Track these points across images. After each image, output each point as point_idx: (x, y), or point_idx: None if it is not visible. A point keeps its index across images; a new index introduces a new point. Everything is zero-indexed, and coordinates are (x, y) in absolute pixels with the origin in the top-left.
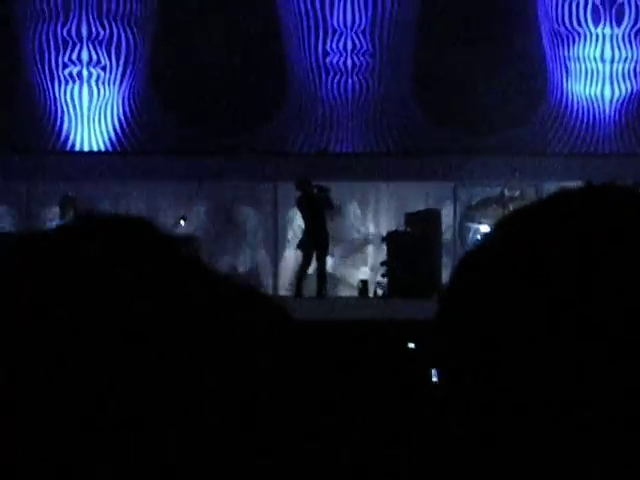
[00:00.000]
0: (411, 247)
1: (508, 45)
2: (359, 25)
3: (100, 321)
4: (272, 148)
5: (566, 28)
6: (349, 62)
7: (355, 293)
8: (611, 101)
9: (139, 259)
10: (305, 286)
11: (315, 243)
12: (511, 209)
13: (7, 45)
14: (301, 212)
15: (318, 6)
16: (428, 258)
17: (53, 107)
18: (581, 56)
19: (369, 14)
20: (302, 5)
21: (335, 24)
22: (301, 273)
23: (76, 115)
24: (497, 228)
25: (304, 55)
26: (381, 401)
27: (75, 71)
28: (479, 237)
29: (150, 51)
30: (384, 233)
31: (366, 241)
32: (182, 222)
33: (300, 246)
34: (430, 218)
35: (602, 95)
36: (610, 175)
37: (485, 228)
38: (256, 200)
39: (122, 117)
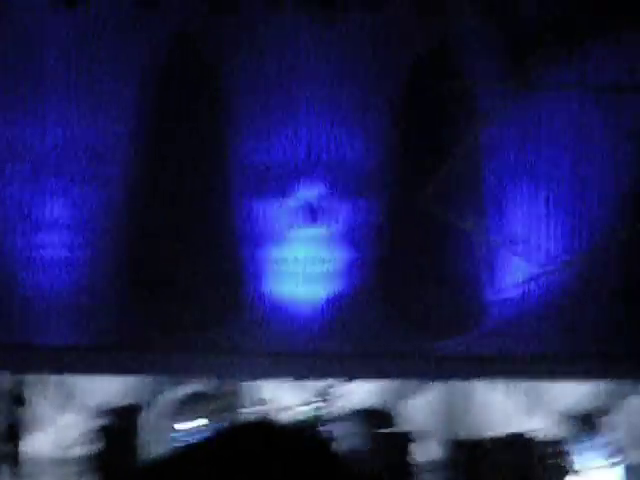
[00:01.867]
0: (110, 443)
1: (205, 250)
2: (66, 218)
3: None
4: None
5: (264, 230)
6: (56, 255)
7: None
8: (311, 301)
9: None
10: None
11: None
12: (213, 406)
13: None
14: None
15: (26, 199)
16: (127, 454)
17: None
18: (279, 257)
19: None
20: (8, 196)
21: (45, 217)
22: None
23: None
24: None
25: (8, 247)
26: None
27: None
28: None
29: None
30: (83, 429)
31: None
32: None
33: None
34: (129, 413)
35: (301, 295)
36: (317, 371)
37: (185, 426)
38: None
39: None
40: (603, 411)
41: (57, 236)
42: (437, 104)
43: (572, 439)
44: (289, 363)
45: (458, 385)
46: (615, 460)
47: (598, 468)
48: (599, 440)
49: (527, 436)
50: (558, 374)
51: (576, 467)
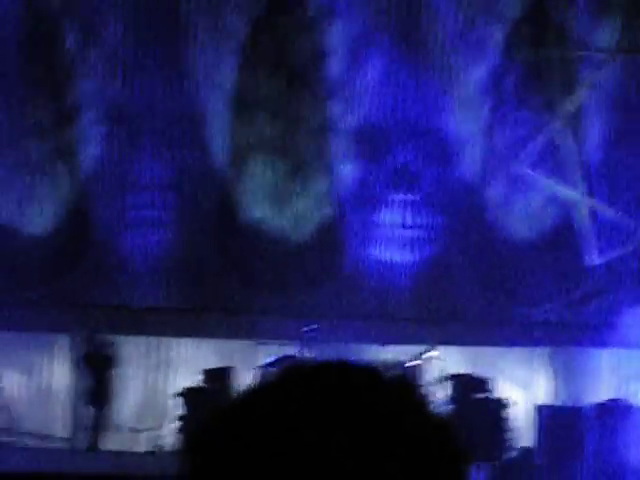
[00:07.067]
0: (206, 404)
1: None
2: (163, 179)
3: None
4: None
5: (359, 194)
6: (152, 216)
7: (151, 448)
8: (403, 266)
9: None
10: (100, 440)
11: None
12: None
13: None
14: (87, 366)
15: (120, 159)
16: None
17: None
18: (378, 221)
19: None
20: (104, 159)
21: (139, 178)
22: (94, 426)
23: None
24: None
25: (104, 208)
26: None
27: None
28: None
29: None
30: (180, 389)
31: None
32: None
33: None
34: (225, 375)
35: (398, 260)
36: (407, 339)
37: None
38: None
39: None
40: None
41: (150, 197)
42: (536, 71)
43: None
44: (381, 327)
45: (555, 351)
46: None
47: None
48: None
49: (623, 401)
50: None
51: None
